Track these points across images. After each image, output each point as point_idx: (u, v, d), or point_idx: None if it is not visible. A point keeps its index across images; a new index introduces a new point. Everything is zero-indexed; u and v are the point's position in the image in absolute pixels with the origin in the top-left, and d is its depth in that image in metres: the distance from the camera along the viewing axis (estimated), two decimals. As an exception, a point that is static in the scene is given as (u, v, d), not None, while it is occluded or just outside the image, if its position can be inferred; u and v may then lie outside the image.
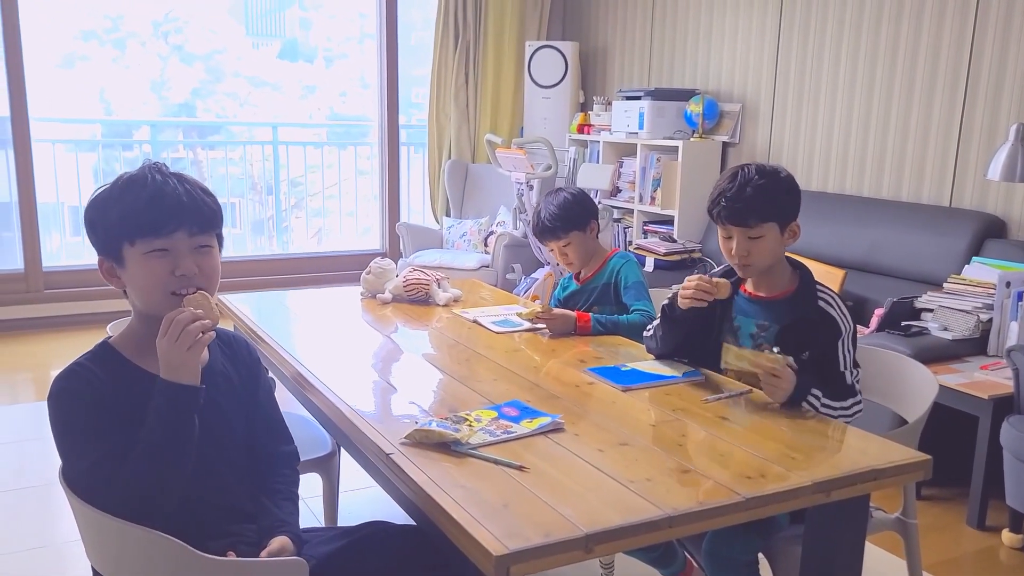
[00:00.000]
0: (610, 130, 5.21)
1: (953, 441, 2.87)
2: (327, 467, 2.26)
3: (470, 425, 1.63)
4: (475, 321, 2.52)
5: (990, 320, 3.18)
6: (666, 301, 2.03)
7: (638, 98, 4.96)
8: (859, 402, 1.90)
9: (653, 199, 4.93)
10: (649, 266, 4.55)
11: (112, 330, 1.72)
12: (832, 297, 1.94)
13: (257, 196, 6.41)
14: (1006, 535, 2.79)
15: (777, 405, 1.80)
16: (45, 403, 1.40)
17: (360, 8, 6.11)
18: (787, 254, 2.00)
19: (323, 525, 2.34)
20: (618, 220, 5.28)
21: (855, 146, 4.16)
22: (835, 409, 1.84)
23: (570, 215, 2.56)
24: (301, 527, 1.61)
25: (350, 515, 2.40)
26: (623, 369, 2.06)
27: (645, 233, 4.99)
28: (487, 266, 5.15)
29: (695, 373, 2.02)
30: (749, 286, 2.03)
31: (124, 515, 1.30)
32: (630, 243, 5.03)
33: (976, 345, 3.18)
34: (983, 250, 3.43)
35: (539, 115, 5.77)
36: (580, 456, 1.54)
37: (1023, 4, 3.44)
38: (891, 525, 2.06)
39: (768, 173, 1.91)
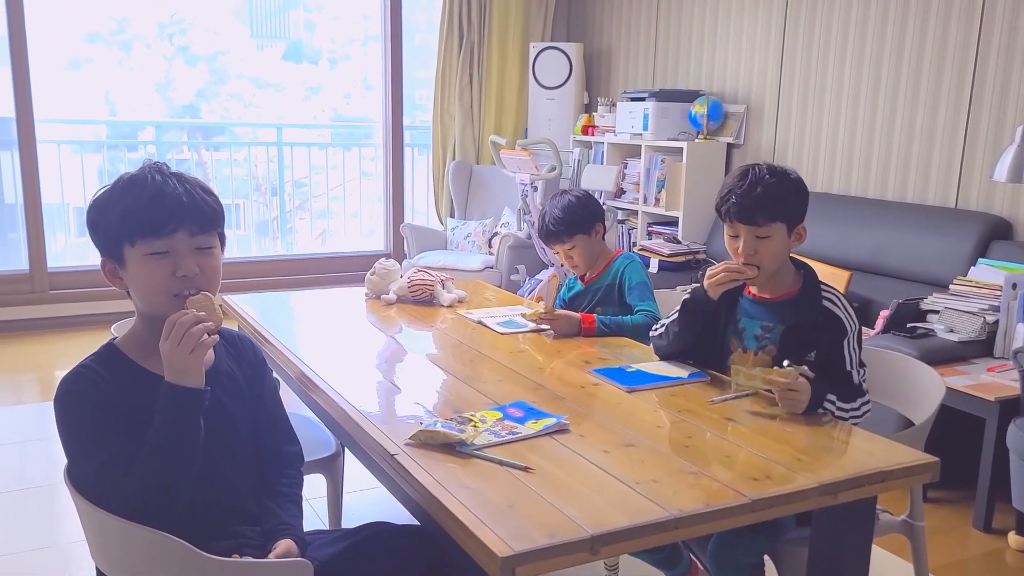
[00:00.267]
0: (614, 131, 5.21)
1: (959, 443, 2.86)
2: (331, 468, 2.25)
3: (475, 426, 1.63)
4: (479, 322, 2.52)
5: (996, 322, 3.17)
6: (687, 295, 2.03)
7: (642, 99, 4.96)
8: (867, 401, 1.89)
9: (657, 200, 4.93)
10: (653, 267, 4.54)
11: (117, 331, 1.72)
12: (836, 296, 1.94)
13: (261, 197, 6.41)
14: (1012, 538, 2.77)
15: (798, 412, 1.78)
16: (49, 404, 1.40)
17: (364, 10, 6.12)
18: (791, 255, 2.00)
19: (327, 526, 2.33)
20: (622, 221, 5.27)
21: (860, 147, 4.15)
22: (847, 411, 1.84)
23: (575, 219, 2.56)
24: (304, 530, 1.61)
25: (354, 516, 2.39)
26: (628, 370, 2.05)
27: (649, 234, 4.98)
28: (491, 267, 5.15)
29: (701, 374, 2.01)
30: (753, 288, 2.02)
31: (132, 516, 1.30)
32: (634, 244, 5.03)
33: (982, 347, 3.17)
34: (989, 252, 3.42)
35: (543, 116, 5.77)
36: (585, 457, 1.53)
37: (1029, 5, 3.43)
38: (898, 527, 2.05)
39: (779, 173, 1.91)
